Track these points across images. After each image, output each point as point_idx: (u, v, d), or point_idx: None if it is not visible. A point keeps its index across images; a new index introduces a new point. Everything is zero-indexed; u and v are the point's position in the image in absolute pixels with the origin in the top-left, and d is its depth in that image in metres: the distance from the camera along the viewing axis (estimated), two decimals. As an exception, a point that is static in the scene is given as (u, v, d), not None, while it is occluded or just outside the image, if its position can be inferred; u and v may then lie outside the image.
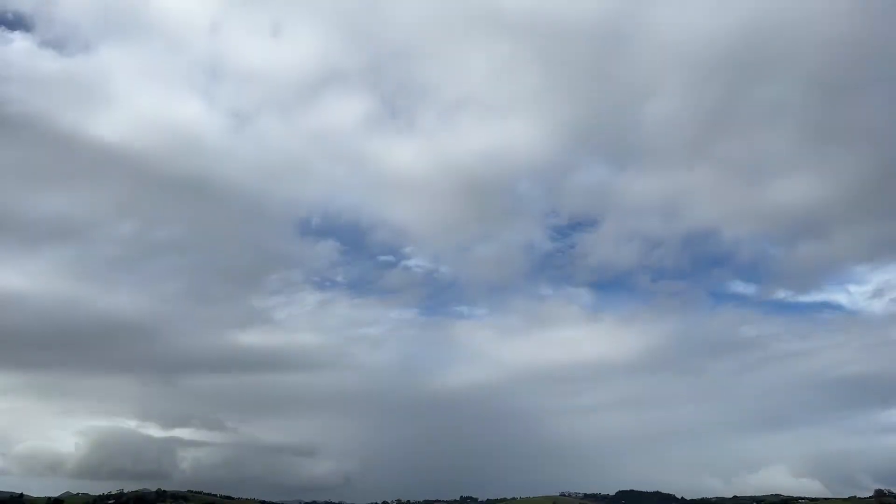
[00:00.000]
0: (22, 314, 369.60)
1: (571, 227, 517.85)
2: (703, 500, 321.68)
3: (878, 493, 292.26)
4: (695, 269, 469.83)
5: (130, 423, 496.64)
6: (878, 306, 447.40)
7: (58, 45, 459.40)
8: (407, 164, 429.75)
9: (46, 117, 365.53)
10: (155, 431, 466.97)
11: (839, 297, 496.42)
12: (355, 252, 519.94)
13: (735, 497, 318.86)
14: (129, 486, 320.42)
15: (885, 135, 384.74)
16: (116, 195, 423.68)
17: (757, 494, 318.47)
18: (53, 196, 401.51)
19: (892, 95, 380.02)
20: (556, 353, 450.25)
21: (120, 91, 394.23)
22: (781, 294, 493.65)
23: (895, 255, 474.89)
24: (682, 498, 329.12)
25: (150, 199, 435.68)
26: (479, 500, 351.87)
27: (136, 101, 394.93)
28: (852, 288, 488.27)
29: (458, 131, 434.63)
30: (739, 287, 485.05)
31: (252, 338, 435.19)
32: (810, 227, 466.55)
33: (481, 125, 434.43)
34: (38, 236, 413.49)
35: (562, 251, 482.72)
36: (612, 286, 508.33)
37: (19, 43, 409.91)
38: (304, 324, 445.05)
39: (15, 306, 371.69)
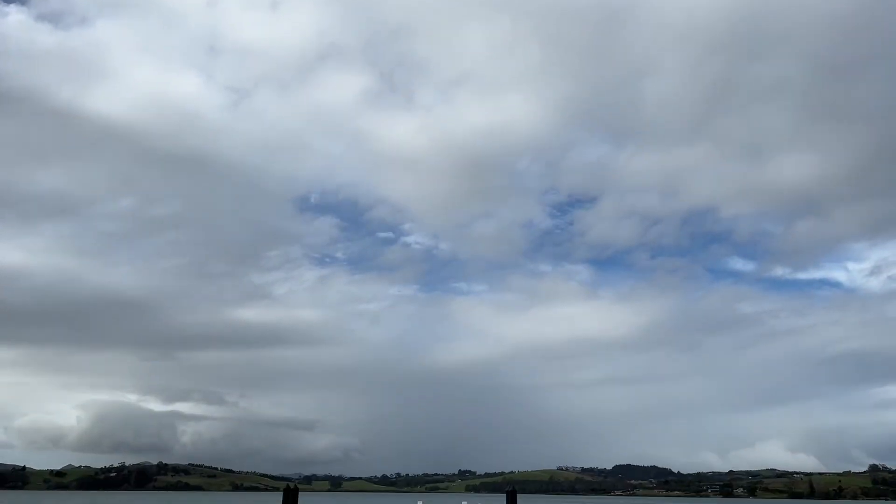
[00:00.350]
0: (22, 290, 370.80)
1: (570, 205, 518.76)
2: (699, 474, 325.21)
3: (873, 468, 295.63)
4: (693, 246, 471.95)
5: (131, 397, 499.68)
6: (875, 283, 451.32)
7: (54, 18, 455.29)
8: (406, 140, 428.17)
9: (43, 92, 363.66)
10: (155, 405, 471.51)
11: (837, 275, 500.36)
12: (354, 228, 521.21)
13: (731, 471, 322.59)
14: (131, 460, 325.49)
15: (884, 113, 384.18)
16: (114, 171, 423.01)
17: (752, 469, 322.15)
18: (51, 171, 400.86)
19: (892, 74, 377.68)
20: (554, 330, 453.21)
21: (117, 66, 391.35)
22: (779, 271, 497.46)
23: (893, 232, 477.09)
24: (679, 472, 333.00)
25: (149, 175, 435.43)
26: (478, 473, 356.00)
27: (133, 75, 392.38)
28: (850, 265, 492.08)
29: (457, 108, 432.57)
30: (738, 264, 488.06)
31: (251, 313, 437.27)
32: (809, 205, 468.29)
33: (480, 102, 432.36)
34: (37, 212, 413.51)
35: (561, 228, 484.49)
36: (610, 263, 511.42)
37: (14, 16, 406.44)
38: (304, 299, 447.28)
39: (15, 282, 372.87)
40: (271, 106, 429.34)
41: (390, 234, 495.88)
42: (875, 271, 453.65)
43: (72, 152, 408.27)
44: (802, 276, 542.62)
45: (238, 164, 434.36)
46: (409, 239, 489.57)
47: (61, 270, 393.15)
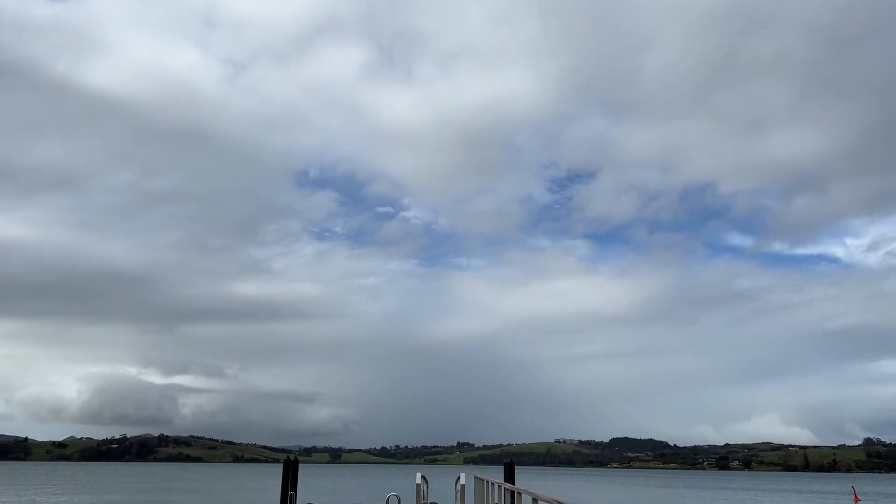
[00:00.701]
0: (21, 263, 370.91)
1: (569, 179, 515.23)
2: (695, 447, 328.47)
3: (867, 441, 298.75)
4: (692, 221, 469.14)
5: (131, 370, 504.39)
6: (873, 259, 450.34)
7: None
8: (404, 114, 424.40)
9: (39, 64, 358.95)
10: (156, 378, 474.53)
11: (835, 250, 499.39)
12: (353, 203, 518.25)
13: (727, 445, 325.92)
14: (132, 431, 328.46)
15: (885, 89, 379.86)
16: (112, 144, 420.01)
17: (748, 442, 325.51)
18: (49, 144, 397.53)
19: (893, 49, 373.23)
20: (552, 305, 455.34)
21: (114, 38, 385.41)
22: (777, 247, 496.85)
23: (892, 208, 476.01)
24: (675, 445, 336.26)
25: (147, 149, 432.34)
26: (476, 446, 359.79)
27: (130, 48, 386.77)
28: (848, 241, 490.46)
29: (456, 81, 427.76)
30: (736, 239, 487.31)
31: (250, 287, 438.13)
32: (808, 180, 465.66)
33: (479, 75, 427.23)
34: (34, 185, 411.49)
35: (559, 203, 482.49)
36: (609, 238, 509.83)
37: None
38: (303, 274, 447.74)
39: (14, 255, 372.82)
40: (269, 79, 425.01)
41: (389, 209, 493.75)
42: (873, 247, 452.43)
43: (69, 125, 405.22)
44: (800, 251, 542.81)
45: (236, 137, 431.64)
46: (408, 214, 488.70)
47: (60, 244, 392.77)
